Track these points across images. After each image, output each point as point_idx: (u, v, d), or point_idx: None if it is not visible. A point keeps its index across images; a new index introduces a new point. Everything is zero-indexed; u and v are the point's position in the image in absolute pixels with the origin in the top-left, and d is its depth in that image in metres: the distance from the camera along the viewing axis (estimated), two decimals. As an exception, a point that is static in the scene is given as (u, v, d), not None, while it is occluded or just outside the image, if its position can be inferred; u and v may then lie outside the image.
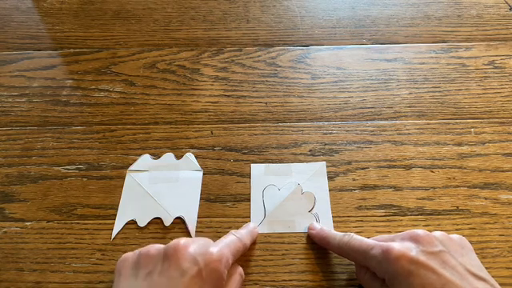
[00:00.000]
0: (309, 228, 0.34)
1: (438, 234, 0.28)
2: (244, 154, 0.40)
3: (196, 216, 0.36)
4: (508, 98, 0.43)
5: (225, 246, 0.28)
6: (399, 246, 0.26)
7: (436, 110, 0.42)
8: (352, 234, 0.30)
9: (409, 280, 0.25)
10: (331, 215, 0.36)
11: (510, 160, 0.39)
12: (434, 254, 0.26)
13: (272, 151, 0.40)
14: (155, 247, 0.27)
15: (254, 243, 0.34)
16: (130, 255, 0.28)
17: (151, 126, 0.42)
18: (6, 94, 0.45)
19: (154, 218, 0.36)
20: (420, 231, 0.27)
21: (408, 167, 0.38)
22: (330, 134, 0.41)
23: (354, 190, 0.37)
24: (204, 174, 0.38)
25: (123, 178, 0.38)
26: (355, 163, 0.39)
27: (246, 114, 0.43)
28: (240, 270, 0.30)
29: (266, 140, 0.41)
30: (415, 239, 0.27)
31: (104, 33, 0.51)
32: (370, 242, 0.29)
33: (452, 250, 0.26)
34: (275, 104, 0.44)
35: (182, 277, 0.25)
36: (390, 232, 0.34)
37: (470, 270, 0.25)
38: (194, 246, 0.26)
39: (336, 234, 0.32)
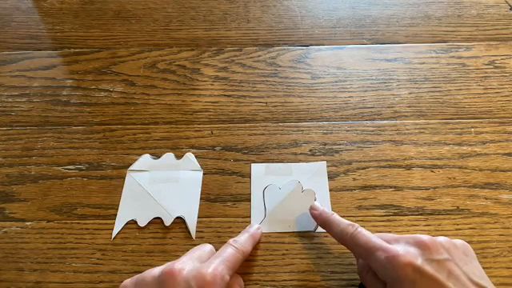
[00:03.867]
0: (311, 208, 0.34)
1: (443, 240, 0.27)
2: (244, 153, 0.40)
3: (196, 216, 0.36)
4: (508, 98, 0.43)
5: (220, 263, 0.27)
6: (405, 252, 0.26)
7: (436, 110, 0.42)
8: (357, 225, 0.30)
9: None
10: (331, 215, 0.36)
11: (510, 160, 0.39)
12: (439, 262, 0.26)
13: (272, 151, 0.40)
14: (151, 274, 0.27)
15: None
16: (128, 283, 0.27)
17: (151, 126, 0.42)
18: (6, 93, 0.45)
19: (154, 218, 0.36)
20: (425, 237, 0.27)
21: (408, 167, 0.38)
22: (331, 133, 0.41)
23: (355, 189, 0.37)
24: (204, 173, 0.38)
25: (123, 177, 0.38)
26: (355, 163, 0.39)
27: (246, 113, 0.43)
28: (239, 281, 0.30)
29: (266, 140, 0.41)
30: (420, 245, 0.26)
31: (104, 33, 0.51)
32: (376, 242, 0.28)
33: (456, 258, 0.26)
34: (275, 104, 0.44)
35: None
36: (389, 232, 0.34)
37: (472, 279, 0.25)
38: (187, 268, 0.26)
39: (340, 222, 0.31)
